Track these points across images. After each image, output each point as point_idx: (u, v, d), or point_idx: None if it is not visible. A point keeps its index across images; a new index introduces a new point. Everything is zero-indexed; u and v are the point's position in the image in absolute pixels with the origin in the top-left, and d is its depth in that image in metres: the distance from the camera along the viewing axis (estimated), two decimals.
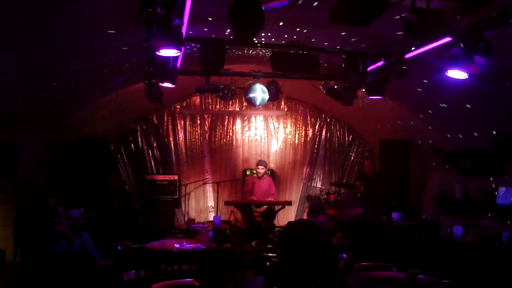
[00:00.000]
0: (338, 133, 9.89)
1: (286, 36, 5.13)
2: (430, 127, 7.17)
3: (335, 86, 6.04)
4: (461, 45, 3.55)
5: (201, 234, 5.05)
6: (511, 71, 4.59)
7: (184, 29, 4.14)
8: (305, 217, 4.59)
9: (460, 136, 6.54)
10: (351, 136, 9.87)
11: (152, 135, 9.38)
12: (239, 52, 6.04)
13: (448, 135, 6.80)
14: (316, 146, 9.83)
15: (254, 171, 8.83)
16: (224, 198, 9.01)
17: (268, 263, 4.31)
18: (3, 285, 5.81)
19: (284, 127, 9.84)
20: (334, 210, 7.89)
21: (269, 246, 5.22)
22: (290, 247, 4.32)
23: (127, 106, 8.11)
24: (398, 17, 3.37)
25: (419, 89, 6.14)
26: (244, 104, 9.42)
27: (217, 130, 9.67)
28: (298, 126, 9.88)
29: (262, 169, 8.42)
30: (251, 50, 5.98)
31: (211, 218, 7.79)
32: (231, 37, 4.80)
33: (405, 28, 3.34)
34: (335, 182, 9.57)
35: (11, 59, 4.37)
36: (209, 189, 9.58)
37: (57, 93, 5.84)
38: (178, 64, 5.47)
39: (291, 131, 9.85)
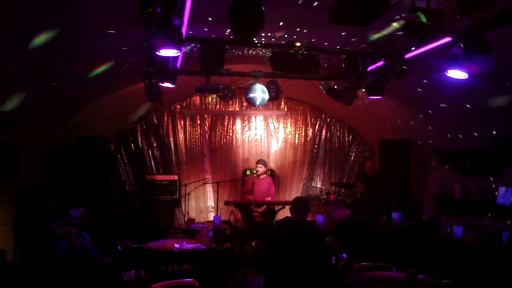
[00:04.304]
0: (338, 133, 9.90)
1: (286, 36, 5.13)
2: (430, 127, 7.17)
3: (335, 86, 6.04)
4: (461, 45, 3.55)
5: (201, 234, 5.05)
6: (511, 71, 4.59)
7: (184, 29, 4.14)
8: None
9: (460, 136, 6.54)
10: (351, 136, 9.88)
11: (152, 135, 9.38)
12: (239, 52, 6.03)
13: (448, 135, 6.80)
14: (316, 146, 9.84)
15: (254, 171, 8.83)
16: (224, 198, 9.01)
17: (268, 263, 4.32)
18: (3, 285, 5.81)
19: (284, 127, 9.84)
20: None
21: None
22: (282, 246, 4.30)
23: (127, 106, 8.12)
24: (398, 17, 3.37)
25: (419, 89, 6.14)
26: (244, 104, 9.42)
27: (217, 130, 9.67)
28: (298, 126, 9.88)
29: (260, 167, 8.41)
30: (251, 50, 5.98)
31: (211, 218, 7.78)
32: (231, 37, 4.80)
33: (405, 28, 3.34)
34: (335, 182, 9.57)
35: (11, 59, 4.37)
36: (209, 189, 9.58)
37: (57, 93, 5.83)
38: (178, 64, 5.47)
39: (291, 131, 9.86)
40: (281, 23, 4.75)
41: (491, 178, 6.38)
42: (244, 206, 8.16)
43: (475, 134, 6.20)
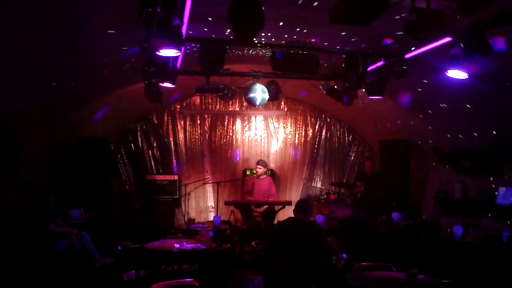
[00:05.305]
0: (338, 133, 9.90)
1: (286, 36, 5.13)
2: (430, 127, 7.17)
3: (335, 86, 6.04)
4: (461, 45, 3.55)
5: (201, 234, 5.05)
6: (511, 71, 4.59)
7: (184, 29, 4.14)
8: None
9: (460, 136, 6.54)
10: (351, 136, 9.88)
11: (152, 135, 9.38)
12: (239, 52, 6.03)
13: (448, 135, 6.80)
14: (316, 146, 9.84)
15: (254, 171, 8.84)
16: (224, 198, 9.02)
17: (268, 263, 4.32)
18: (3, 285, 5.81)
19: (284, 127, 9.84)
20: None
21: None
22: (284, 246, 4.31)
23: (127, 106, 8.11)
24: (398, 17, 3.37)
25: (419, 89, 6.14)
26: (244, 104, 9.43)
27: (217, 130, 9.67)
28: (298, 126, 9.88)
29: (260, 168, 8.42)
30: (251, 50, 5.98)
31: (211, 218, 7.79)
32: (231, 37, 4.80)
33: (405, 28, 3.34)
34: (335, 182, 9.57)
35: (11, 59, 4.37)
36: (209, 189, 9.58)
37: (57, 93, 5.83)
38: (178, 64, 5.47)
39: (291, 131, 9.86)
40: (281, 23, 4.75)
41: (491, 178, 6.37)
42: (244, 206, 8.16)
43: (475, 134, 6.20)
